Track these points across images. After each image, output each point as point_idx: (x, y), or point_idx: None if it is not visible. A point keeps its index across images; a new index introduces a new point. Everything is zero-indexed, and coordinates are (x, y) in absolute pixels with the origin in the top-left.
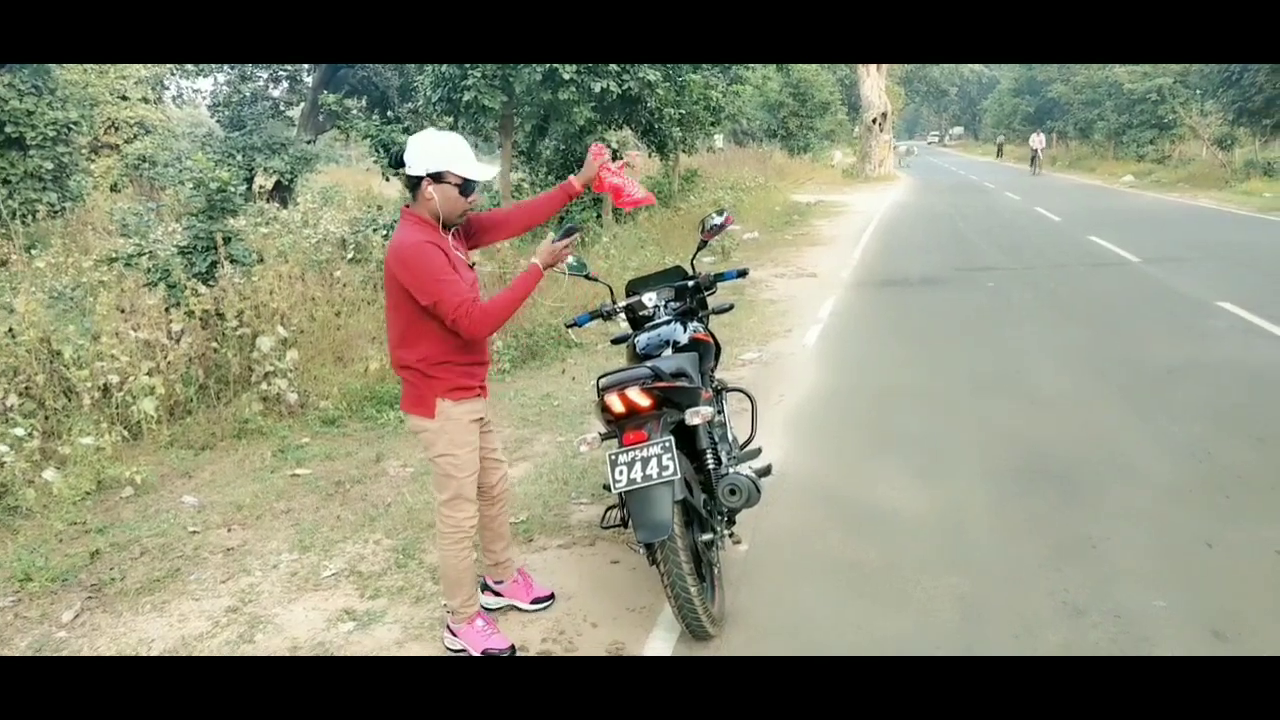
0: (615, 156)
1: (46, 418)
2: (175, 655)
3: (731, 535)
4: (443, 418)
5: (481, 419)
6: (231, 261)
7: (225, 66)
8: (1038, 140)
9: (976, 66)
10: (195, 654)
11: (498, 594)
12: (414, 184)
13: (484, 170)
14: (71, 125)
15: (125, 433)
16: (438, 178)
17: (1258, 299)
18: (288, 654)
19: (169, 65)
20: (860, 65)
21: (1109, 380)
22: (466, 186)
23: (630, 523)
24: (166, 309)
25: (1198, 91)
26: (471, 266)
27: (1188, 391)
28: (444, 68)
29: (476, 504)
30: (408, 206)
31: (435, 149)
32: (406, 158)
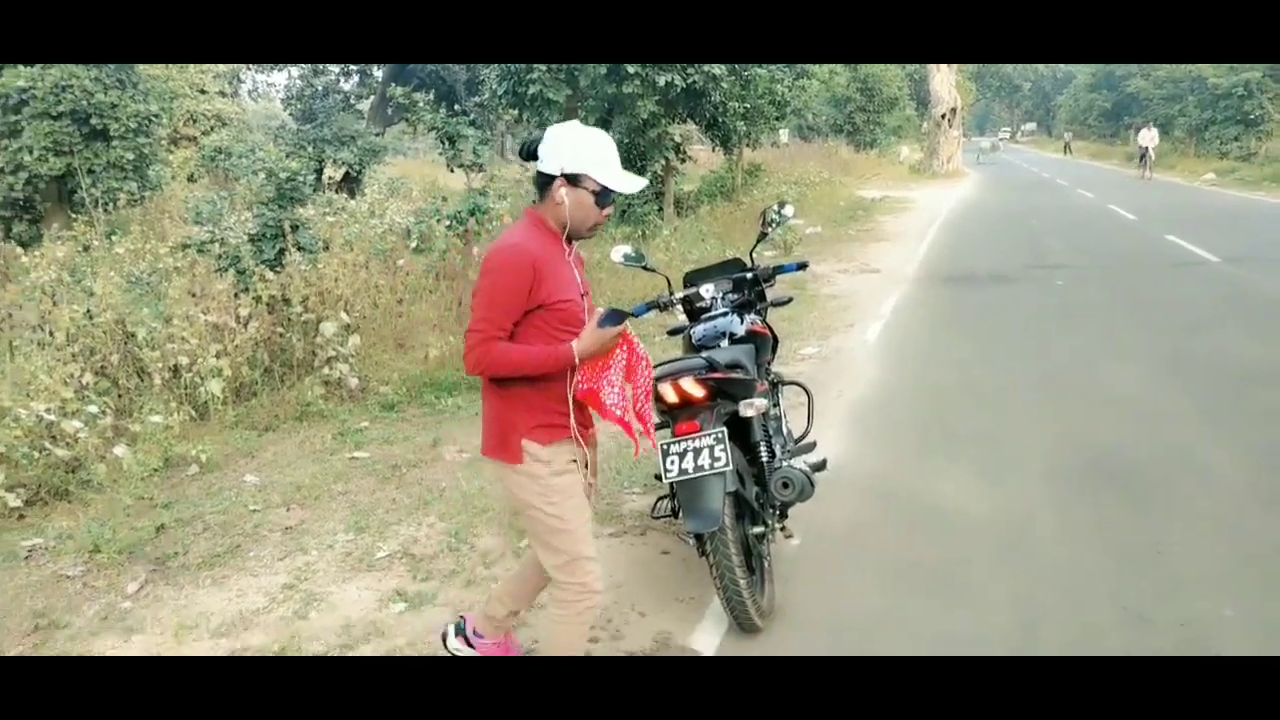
0: (679, 150)
1: (120, 396)
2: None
3: (784, 529)
4: (531, 460)
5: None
6: (298, 249)
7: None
8: (1148, 136)
9: None
10: (253, 626)
11: (469, 644)
12: (545, 182)
13: (629, 181)
14: (152, 117)
15: (193, 412)
16: (574, 180)
17: None
18: (340, 630)
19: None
20: None
21: (1183, 383)
22: (604, 196)
23: (681, 513)
24: (235, 294)
25: None
26: (583, 296)
27: (1268, 396)
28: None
29: (598, 558)
30: (533, 206)
31: (576, 147)
32: (541, 150)
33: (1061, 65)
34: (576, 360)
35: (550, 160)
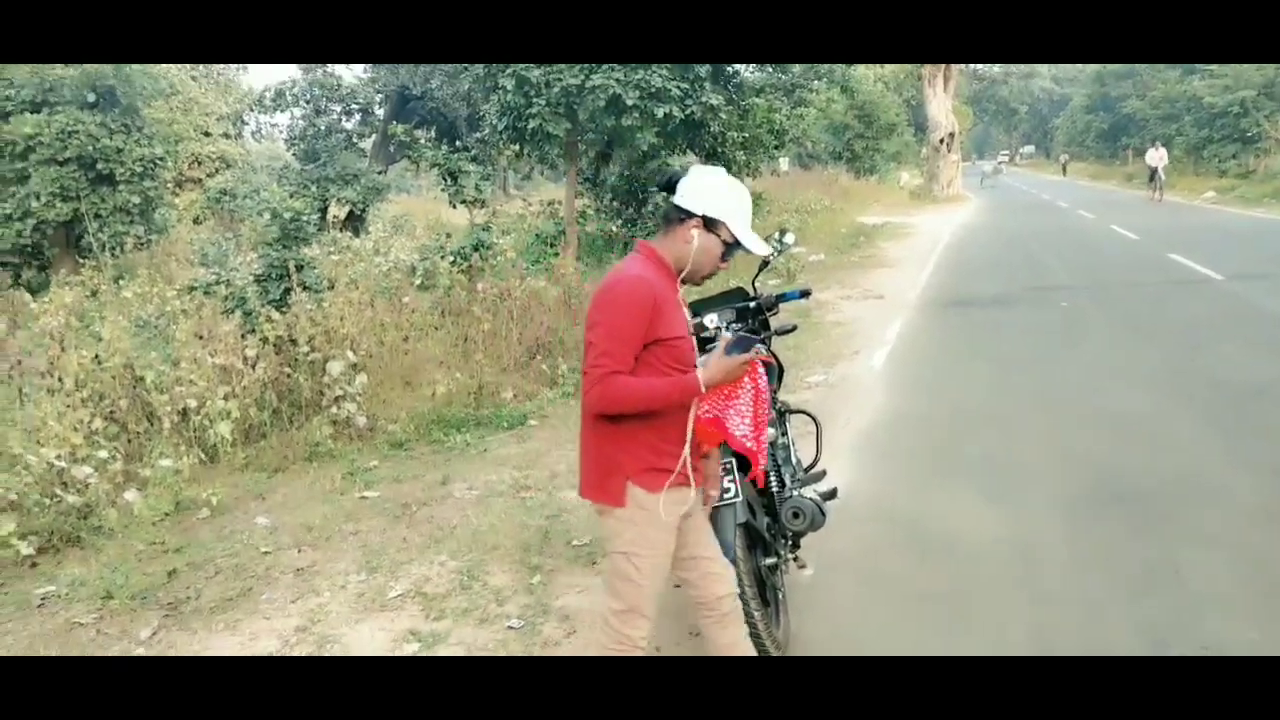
0: (668, 185)
1: (129, 440)
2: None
3: (796, 559)
4: (635, 507)
5: (687, 514)
6: (304, 288)
7: (301, 100)
8: (1157, 156)
9: (1047, 84)
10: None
11: None
12: (676, 217)
13: (759, 242)
14: (157, 161)
15: (202, 455)
16: (710, 224)
17: None
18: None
19: (248, 102)
20: (926, 85)
21: (1191, 401)
22: (731, 248)
23: None
24: (242, 335)
25: None
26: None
27: (1274, 414)
28: (509, 97)
29: (653, 620)
30: (646, 241)
31: (723, 194)
32: (683, 187)
33: (1058, 88)
34: (702, 390)
35: (692, 199)
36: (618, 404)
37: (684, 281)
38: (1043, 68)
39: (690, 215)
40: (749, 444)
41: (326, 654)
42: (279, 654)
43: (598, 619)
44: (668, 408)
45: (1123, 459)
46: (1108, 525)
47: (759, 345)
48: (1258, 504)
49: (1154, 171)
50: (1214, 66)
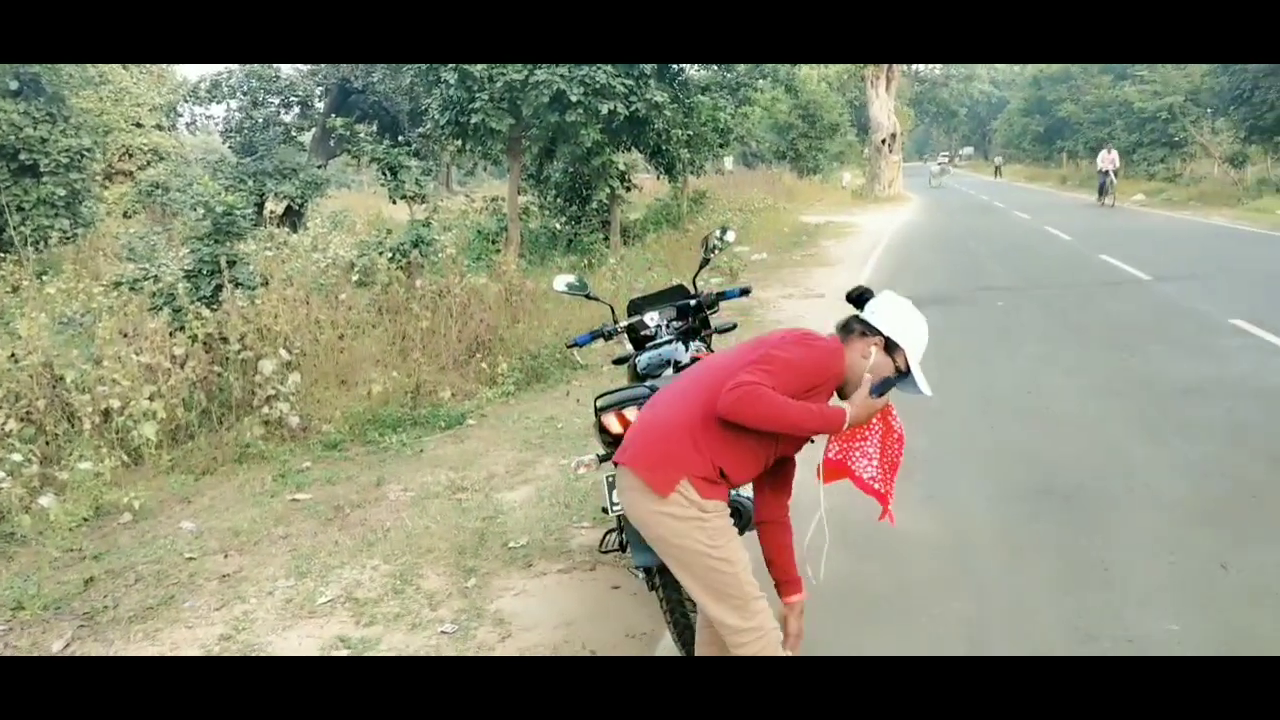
0: (624, 179)
1: (47, 443)
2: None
3: None
4: (686, 503)
5: None
6: (236, 285)
7: (238, 92)
8: (1108, 159)
9: (986, 86)
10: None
11: None
12: (859, 330)
13: (925, 385)
14: (85, 152)
15: (125, 457)
16: (890, 348)
17: (1272, 317)
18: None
19: (182, 93)
20: (869, 86)
21: (1122, 399)
22: (893, 380)
23: (628, 547)
24: (170, 333)
25: (1208, 110)
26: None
27: (1202, 411)
28: (451, 91)
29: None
30: (840, 338)
31: (912, 324)
32: (875, 305)
33: (996, 90)
34: (845, 427)
35: (884, 319)
36: (758, 404)
37: (840, 393)
38: (982, 70)
39: (876, 333)
40: (878, 486)
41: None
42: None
43: (720, 646)
44: (798, 429)
45: (1056, 456)
46: (1040, 521)
47: (894, 386)
48: (1181, 501)
49: (1105, 176)
50: (1144, 72)
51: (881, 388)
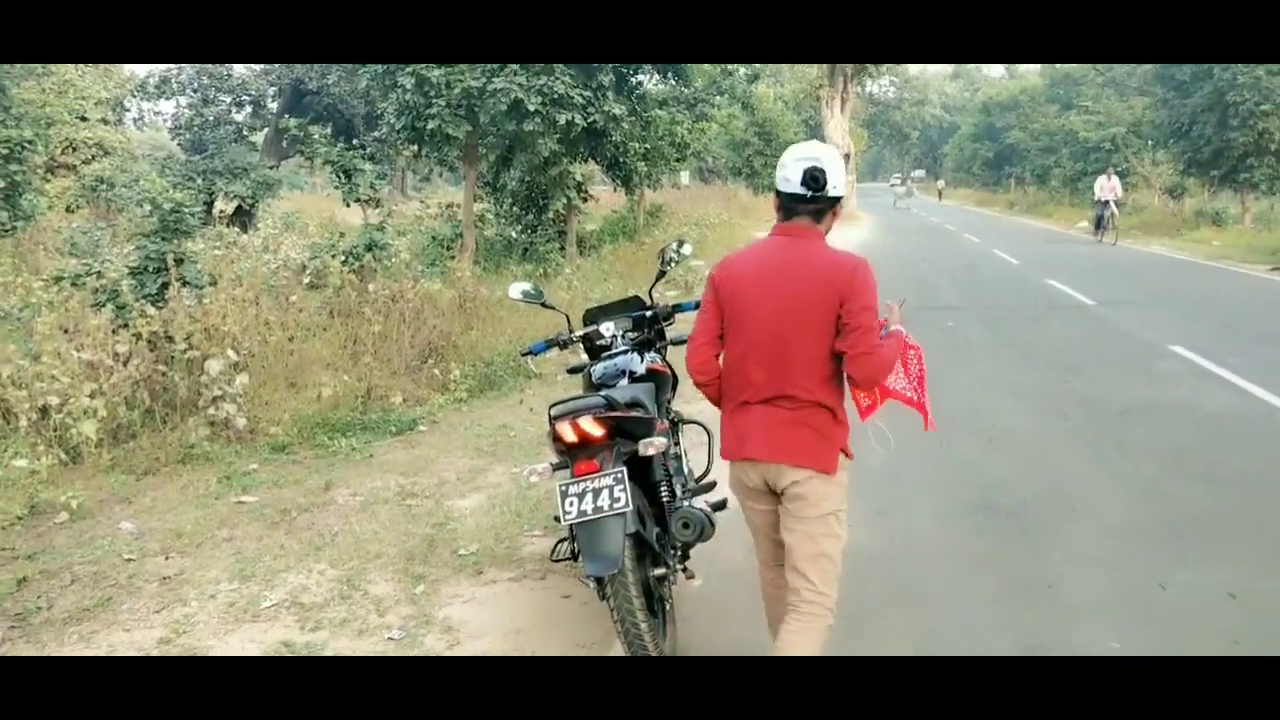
0: (580, 189)
1: None
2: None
3: (685, 570)
4: (842, 471)
5: None
6: (184, 284)
7: (188, 89)
8: (1108, 187)
9: (938, 111)
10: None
11: None
12: (825, 207)
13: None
14: (25, 144)
15: (64, 455)
16: (837, 204)
17: (1208, 344)
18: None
19: (129, 87)
20: (825, 106)
21: (1065, 420)
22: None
23: (580, 556)
24: (114, 330)
25: (1150, 142)
26: None
27: (1141, 432)
28: (408, 96)
29: None
30: (816, 228)
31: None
32: (833, 179)
33: (947, 115)
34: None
35: (840, 185)
36: (881, 372)
37: None
38: (934, 95)
39: (837, 200)
40: (913, 396)
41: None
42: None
43: (810, 604)
44: (891, 367)
45: (1002, 473)
46: (986, 537)
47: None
48: (1121, 520)
49: (1104, 207)
50: (1089, 103)
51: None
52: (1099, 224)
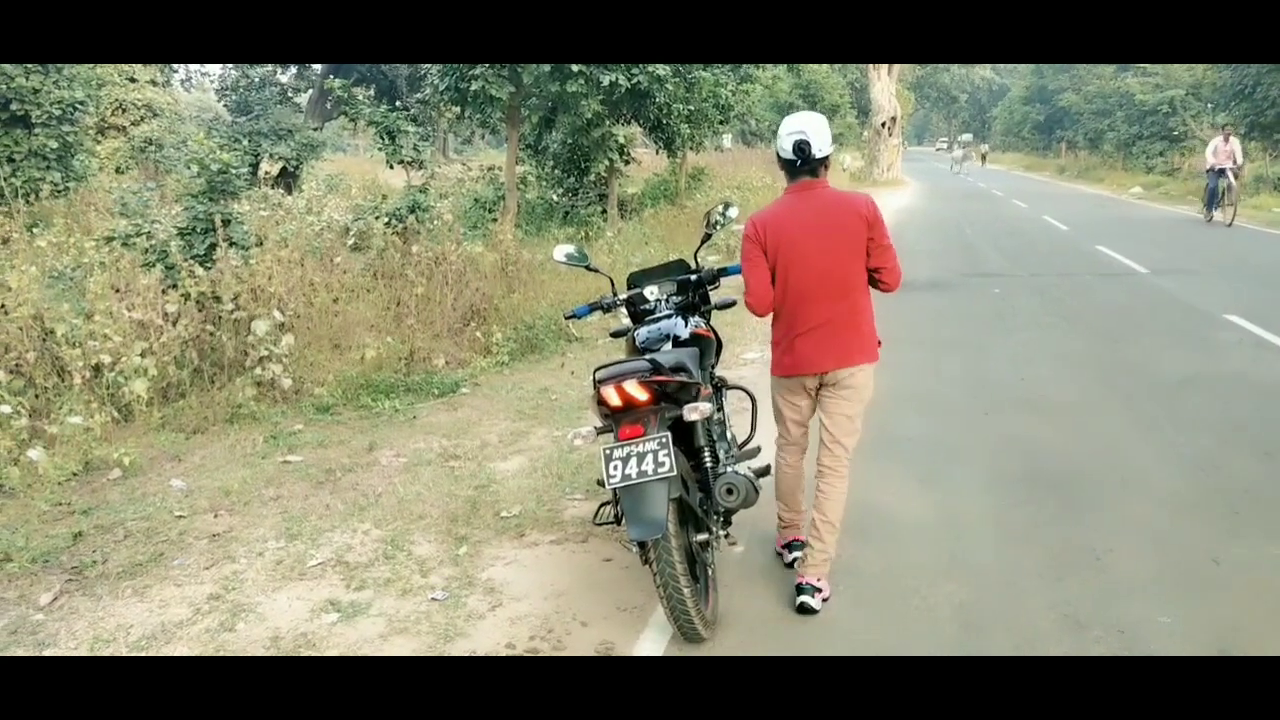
0: (623, 152)
1: (36, 396)
2: (174, 655)
3: (727, 536)
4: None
5: None
6: (231, 244)
7: None
8: (1224, 152)
9: (987, 73)
10: (175, 640)
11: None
12: (818, 165)
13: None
14: (78, 105)
15: (116, 413)
16: (827, 160)
17: (1266, 313)
18: (269, 642)
19: None
20: (871, 68)
21: (1116, 390)
22: None
23: (624, 520)
24: (163, 290)
25: (1209, 105)
26: None
27: (1195, 404)
28: None
29: None
30: (820, 180)
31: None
32: (817, 145)
33: (997, 77)
34: None
35: (827, 145)
36: (899, 280)
37: None
38: None
39: (827, 157)
40: None
41: (240, 623)
42: (189, 622)
43: (844, 465)
44: None
45: (1049, 443)
46: (1033, 508)
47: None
48: (1173, 492)
49: (1217, 177)
50: (1147, 65)
51: None
52: (1211, 199)
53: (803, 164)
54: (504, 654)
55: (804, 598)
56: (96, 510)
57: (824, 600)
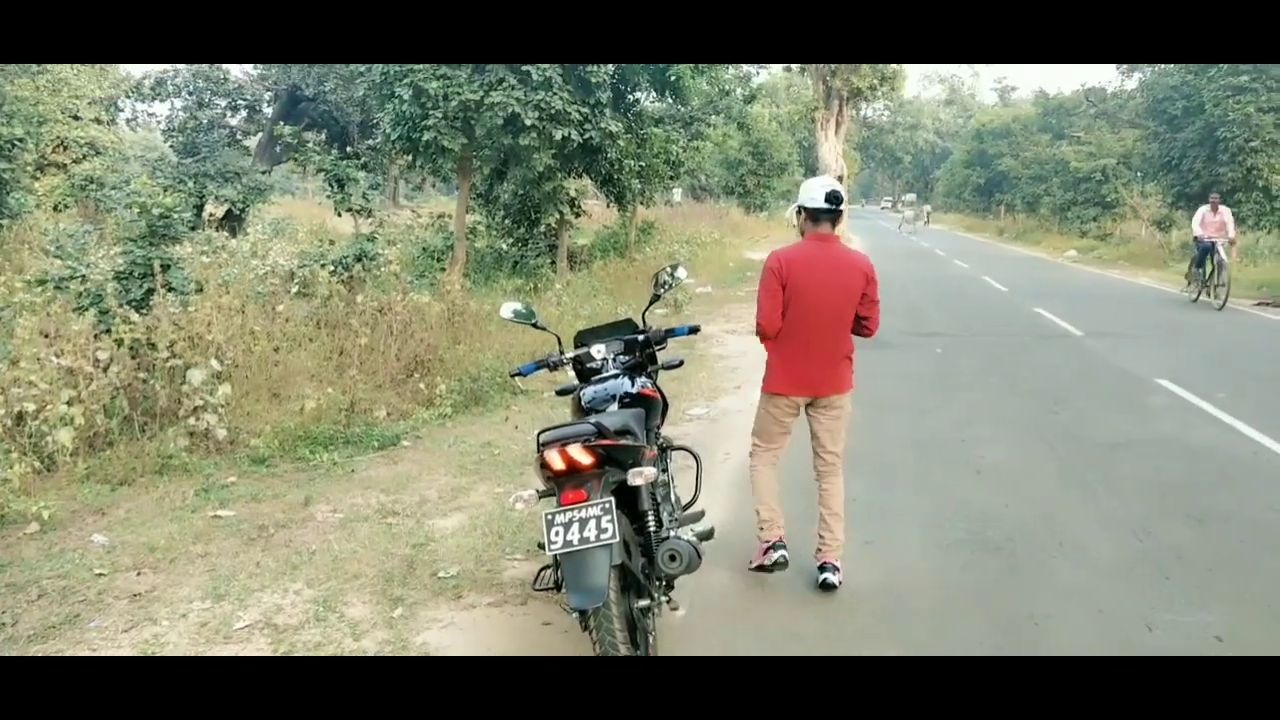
0: (574, 205)
1: None
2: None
3: (669, 600)
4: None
5: None
6: (169, 290)
7: (183, 92)
8: (1213, 223)
9: (931, 136)
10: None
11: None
12: (837, 217)
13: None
14: (16, 141)
15: (38, 463)
16: (840, 213)
17: (1194, 378)
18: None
19: (124, 88)
20: (819, 128)
21: (1053, 453)
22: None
23: (564, 586)
24: (95, 335)
25: (1139, 174)
26: None
27: (1129, 468)
28: (405, 106)
29: None
30: (834, 233)
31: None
32: (835, 198)
33: (939, 141)
34: None
35: (842, 202)
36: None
37: None
38: (927, 119)
39: (842, 211)
40: None
41: None
42: None
43: (837, 468)
44: None
45: (989, 506)
46: (975, 573)
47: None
48: (1108, 557)
49: (1206, 251)
50: (1081, 134)
51: None
52: (1198, 273)
53: (833, 211)
54: None
55: (826, 575)
56: (9, 567)
57: (840, 581)
